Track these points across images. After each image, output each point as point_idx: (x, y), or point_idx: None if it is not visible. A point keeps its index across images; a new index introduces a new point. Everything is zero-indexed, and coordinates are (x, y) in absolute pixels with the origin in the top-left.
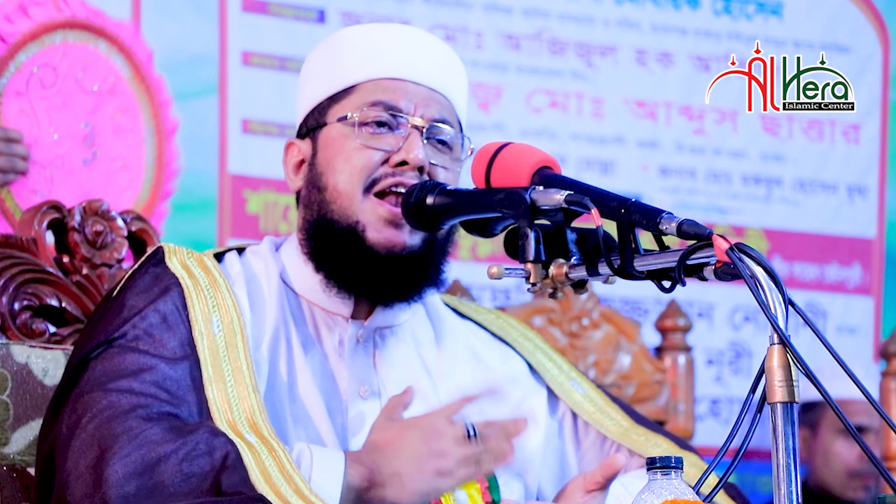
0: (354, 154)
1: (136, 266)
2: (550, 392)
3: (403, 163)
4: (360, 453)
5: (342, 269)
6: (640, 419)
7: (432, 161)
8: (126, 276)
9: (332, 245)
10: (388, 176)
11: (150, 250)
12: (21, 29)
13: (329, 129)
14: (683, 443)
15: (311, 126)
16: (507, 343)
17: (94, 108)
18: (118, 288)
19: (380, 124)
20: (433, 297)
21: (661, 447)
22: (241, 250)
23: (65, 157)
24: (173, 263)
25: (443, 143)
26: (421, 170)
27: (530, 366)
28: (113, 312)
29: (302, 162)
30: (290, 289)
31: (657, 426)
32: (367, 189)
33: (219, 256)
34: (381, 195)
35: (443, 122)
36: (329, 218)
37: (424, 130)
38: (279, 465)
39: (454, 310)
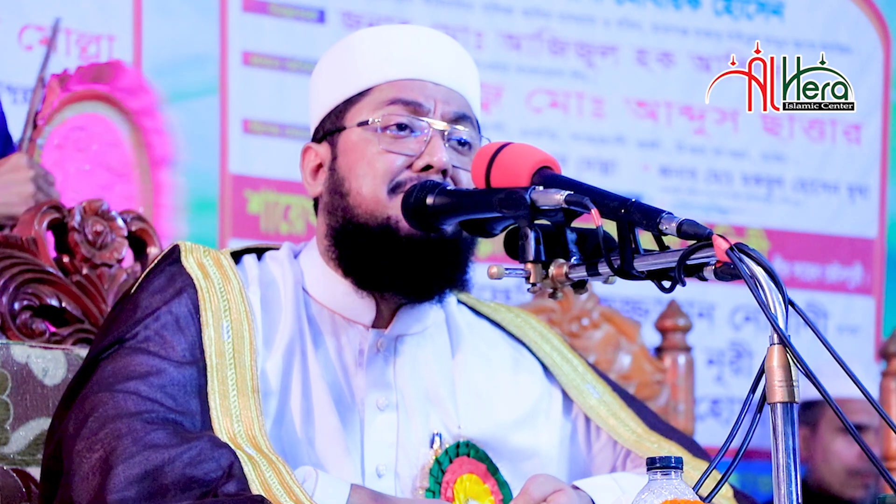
0: (377, 159)
1: (152, 264)
2: (565, 394)
3: (427, 167)
4: (368, 489)
5: (375, 269)
6: (654, 423)
7: (454, 164)
8: (142, 275)
9: (365, 246)
10: (413, 180)
11: (167, 247)
12: (75, 86)
13: (349, 134)
14: (697, 449)
15: (329, 130)
16: (523, 344)
17: (108, 185)
18: (135, 286)
19: (401, 127)
20: (451, 304)
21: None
22: (260, 253)
23: None
24: (189, 262)
25: (462, 143)
26: (444, 173)
27: (546, 367)
28: (127, 312)
29: (319, 166)
30: (308, 297)
31: (671, 430)
32: (391, 191)
33: (236, 257)
34: None
35: (463, 118)
36: (357, 222)
37: (445, 133)
38: (279, 477)
39: (472, 308)
